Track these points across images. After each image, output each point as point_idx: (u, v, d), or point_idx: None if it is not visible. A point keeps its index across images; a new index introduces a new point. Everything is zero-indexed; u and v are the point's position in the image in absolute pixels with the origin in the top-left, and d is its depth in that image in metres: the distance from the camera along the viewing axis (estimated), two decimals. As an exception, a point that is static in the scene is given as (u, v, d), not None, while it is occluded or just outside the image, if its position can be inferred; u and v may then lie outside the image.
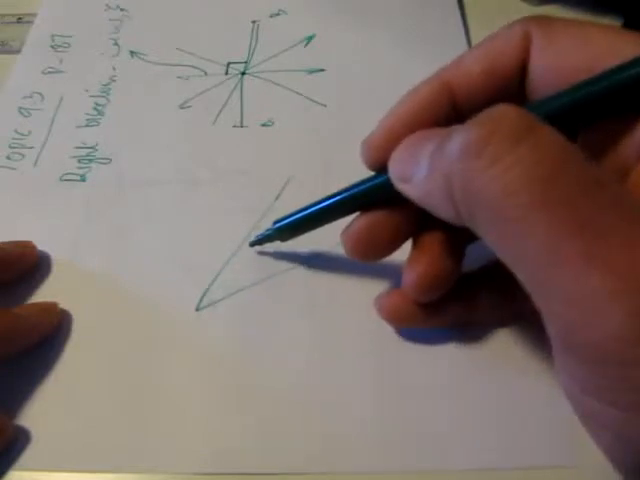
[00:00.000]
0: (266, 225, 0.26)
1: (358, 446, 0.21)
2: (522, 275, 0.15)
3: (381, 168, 0.20)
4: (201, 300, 0.25)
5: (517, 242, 0.14)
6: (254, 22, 0.36)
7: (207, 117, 0.31)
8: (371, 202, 0.21)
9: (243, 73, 0.33)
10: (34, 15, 0.37)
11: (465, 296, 0.22)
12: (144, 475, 0.21)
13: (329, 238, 0.24)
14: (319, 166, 0.29)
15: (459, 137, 0.15)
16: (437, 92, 0.19)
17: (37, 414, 0.22)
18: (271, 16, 0.36)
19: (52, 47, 0.35)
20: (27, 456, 0.21)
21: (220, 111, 0.32)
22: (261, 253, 0.26)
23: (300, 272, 0.26)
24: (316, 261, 0.26)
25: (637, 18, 0.35)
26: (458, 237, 0.21)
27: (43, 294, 0.25)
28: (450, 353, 0.23)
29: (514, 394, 0.22)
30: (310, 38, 0.35)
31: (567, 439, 0.21)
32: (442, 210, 0.16)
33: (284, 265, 0.26)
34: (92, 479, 0.21)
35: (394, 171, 0.18)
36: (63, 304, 0.25)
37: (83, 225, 0.27)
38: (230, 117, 0.31)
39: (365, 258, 0.22)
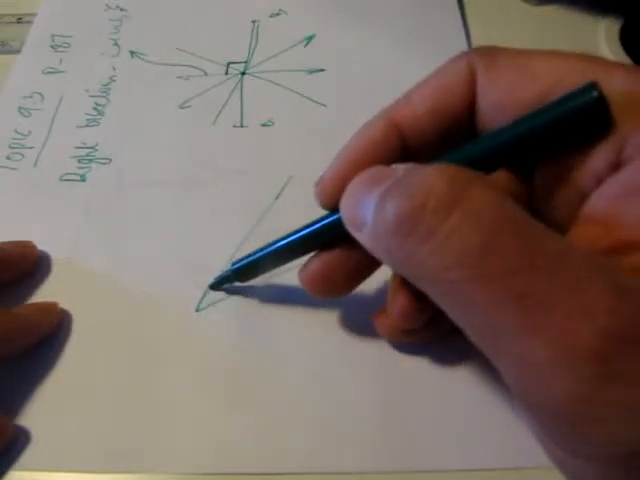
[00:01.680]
0: (267, 225, 0.26)
1: (358, 446, 0.21)
2: (472, 339, 0.15)
3: (335, 208, 0.19)
4: (201, 300, 0.25)
5: (461, 313, 0.14)
6: (254, 22, 0.36)
7: (207, 117, 0.31)
8: (327, 240, 0.21)
9: (243, 73, 0.33)
10: (34, 15, 0.37)
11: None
12: (144, 475, 0.21)
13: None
14: (319, 166, 0.29)
15: (392, 208, 0.15)
16: (385, 131, 0.19)
17: (37, 414, 0.22)
18: (271, 16, 0.36)
19: (52, 47, 0.35)
20: (27, 456, 0.21)
21: (220, 111, 0.32)
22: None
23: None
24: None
25: (637, 18, 0.35)
26: None
27: (43, 294, 0.25)
28: (449, 353, 0.23)
29: (510, 393, 0.22)
30: (310, 38, 0.35)
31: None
32: (389, 266, 0.17)
33: (284, 266, 0.26)
34: (92, 479, 0.21)
35: (344, 216, 0.18)
36: (63, 304, 0.25)
37: (83, 225, 0.27)
38: (230, 117, 0.31)
39: (325, 296, 0.22)
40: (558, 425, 0.14)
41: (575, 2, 0.36)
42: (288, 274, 0.25)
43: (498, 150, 0.17)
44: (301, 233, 0.21)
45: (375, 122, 0.19)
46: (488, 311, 0.13)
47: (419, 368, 0.23)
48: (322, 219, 0.20)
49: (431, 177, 0.14)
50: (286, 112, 0.31)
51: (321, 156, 0.29)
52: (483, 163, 0.17)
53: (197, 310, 0.25)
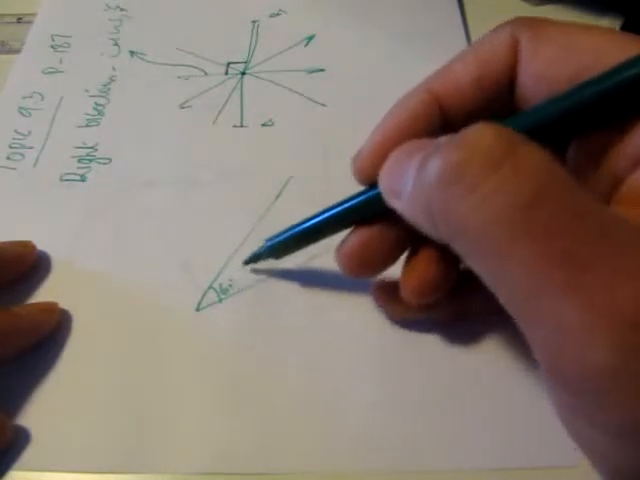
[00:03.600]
0: (267, 225, 0.26)
1: (358, 446, 0.21)
2: (504, 302, 0.14)
3: (373, 183, 0.19)
4: (201, 300, 0.25)
5: (498, 271, 0.14)
6: (254, 22, 0.36)
7: (207, 117, 0.31)
8: (364, 217, 0.20)
9: (243, 73, 0.33)
10: (34, 15, 0.37)
11: (461, 290, 0.22)
12: (144, 475, 0.21)
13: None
14: (319, 166, 0.29)
15: (436, 161, 0.14)
16: (426, 103, 0.19)
17: (37, 414, 0.22)
18: (271, 16, 0.36)
19: (52, 47, 0.35)
20: (27, 456, 0.21)
21: (220, 111, 0.32)
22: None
23: (300, 272, 0.26)
24: (316, 261, 0.26)
25: (637, 18, 0.35)
26: None
27: (43, 294, 0.25)
28: (450, 354, 0.23)
29: (514, 394, 0.22)
30: (310, 38, 0.35)
31: (568, 439, 0.21)
32: (427, 232, 0.16)
33: (285, 265, 0.26)
34: (92, 479, 0.21)
35: (384, 186, 0.18)
36: (63, 304, 0.25)
37: (83, 225, 0.27)
38: (230, 117, 0.31)
39: (361, 275, 0.21)
40: (583, 393, 0.13)
41: (575, 2, 0.36)
42: (290, 273, 0.25)
43: (547, 122, 0.16)
44: (338, 209, 0.21)
45: (414, 93, 0.19)
46: (529, 269, 0.13)
47: (420, 368, 0.23)
48: (360, 194, 0.20)
49: (480, 131, 0.14)
50: (286, 112, 0.31)
51: (321, 156, 0.30)
52: (533, 134, 0.16)
53: (197, 310, 0.25)
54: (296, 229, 0.22)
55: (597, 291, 0.12)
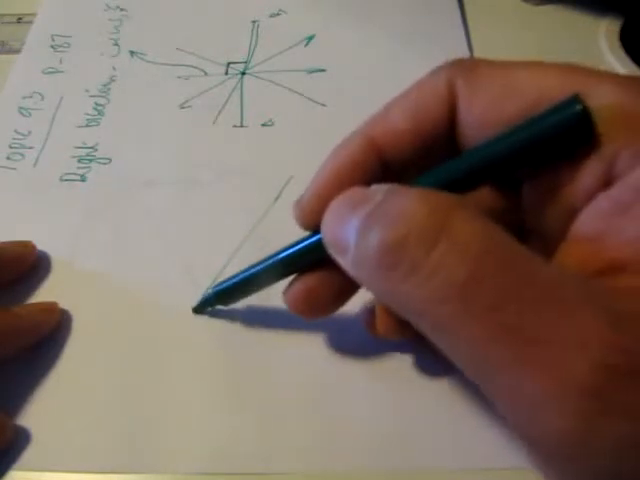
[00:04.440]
0: (267, 225, 0.26)
1: (358, 446, 0.21)
2: (462, 371, 0.14)
3: (316, 229, 0.19)
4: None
5: (447, 346, 0.14)
6: (254, 22, 0.36)
7: (207, 117, 0.31)
8: (310, 262, 0.20)
9: (243, 73, 0.33)
10: (34, 15, 0.37)
11: None
12: (143, 475, 0.21)
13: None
14: (319, 166, 0.29)
15: (374, 240, 0.14)
16: (363, 149, 0.18)
17: (37, 414, 0.22)
18: (271, 16, 0.36)
19: (52, 47, 0.35)
20: (27, 456, 0.21)
21: (220, 111, 0.32)
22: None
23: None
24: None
25: (637, 18, 0.35)
26: None
27: (43, 294, 0.25)
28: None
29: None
30: (310, 38, 0.35)
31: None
32: (372, 293, 0.16)
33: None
34: (92, 479, 0.21)
35: (327, 240, 0.17)
36: (63, 304, 0.25)
37: (83, 225, 0.27)
38: (230, 117, 0.31)
39: (310, 317, 0.21)
40: (553, 459, 0.13)
41: (575, 2, 0.36)
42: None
43: (481, 166, 0.16)
44: (282, 255, 0.20)
45: (352, 140, 0.19)
46: (477, 346, 0.13)
47: (420, 367, 0.23)
48: (303, 240, 0.20)
49: (412, 205, 0.14)
50: (286, 112, 0.31)
51: (321, 156, 0.30)
52: (466, 180, 0.16)
53: (196, 310, 0.25)
54: (242, 274, 0.22)
55: (548, 364, 0.12)
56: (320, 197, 0.18)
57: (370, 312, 0.22)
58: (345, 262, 0.16)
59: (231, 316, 0.24)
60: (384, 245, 0.14)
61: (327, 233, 0.17)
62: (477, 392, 0.22)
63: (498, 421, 0.22)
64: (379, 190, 0.15)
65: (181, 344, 0.24)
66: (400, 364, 0.23)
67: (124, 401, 0.23)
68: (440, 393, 0.22)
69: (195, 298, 0.25)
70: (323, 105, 0.32)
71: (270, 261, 0.21)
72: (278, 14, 0.36)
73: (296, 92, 0.32)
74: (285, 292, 0.21)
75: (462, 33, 0.34)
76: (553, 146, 0.15)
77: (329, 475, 0.21)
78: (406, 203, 0.14)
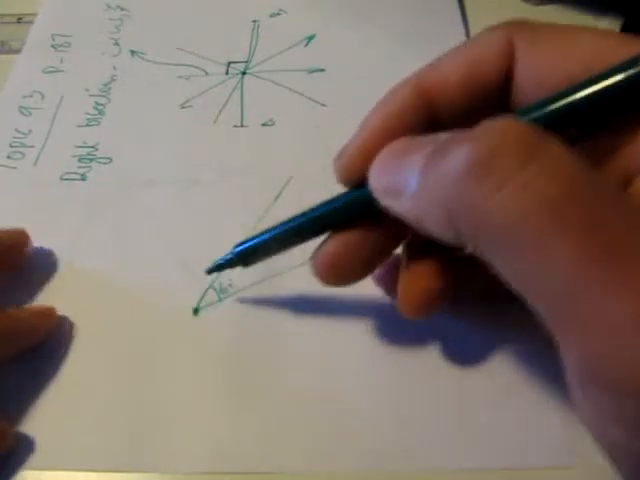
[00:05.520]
0: (267, 224, 0.26)
1: (359, 447, 0.21)
2: (537, 305, 0.13)
3: (356, 184, 0.18)
4: (201, 300, 0.25)
5: (531, 271, 0.13)
6: (254, 22, 0.36)
7: (208, 117, 0.31)
8: (343, 221, 0.19)
9: (244, 73, 0.33)
10: (34, 15, 0.37)
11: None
12: (144, 475, 0.21)
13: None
14: (319, 166, 0.29)
15: (459, 154, 0.14)
16: (415, 99, 0.18)
17: (39, 415, 0.22)
18: (271, 16, 0.36)
19: (53, 46, 0.35)
20: (29, 456, 0.21)
21: (221, 111, 0.32)
22: None
23: (300, 272, 0.26)
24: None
25: (637, 18, 0.35)
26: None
27: (43, 294, 0.25)
28: (450, 353, 0.23)
29: (513, 395, 0.22)
30: (310, 38, 0.35)
31: (567, 439, 0.21)
32: (438, 232, 0.15)
33: (284, 265, 0.26)
34: (94, 479, 0.21)
35: (378, 183, 0.16)
36: (63, 304, 0.25)
37: (83, 225, 0.27)
38: (231, 117, 0.31)
39: (338, 284, 0.20)
40: (628, 396, 0.12)
41: (575, 2, 0.36)
42: (289, 273, 0.25)
43: (543, 122, 0.16)
44: (315, 213, 0.19)
45: (403, 88, 0.18)
46: (568, 266, 0.12)
47: (419, 368, 0.23)
48: (340, 197, 0.19)
49: (506, 122, 0.14)
50: (287, 112, 0.31)
51: (321, 156, 0.30)
52: None
53: (197, 309, 0.25)
54: (269, 233, 0.21)
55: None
56: (367, 148, 0.18)
57: (393, 281, 0.21)
58: (402, 203, 0.16)
59: (232, 316, 0.24)
60: (474, 157, 0.13)
61: (379, 177, 0.16)
62: (476, 394, 0.22)
63: (498, 421, 0.22)
64: (440, 135, 0.15)
65: (182, 344, 0.24)
66: (401, 365, 0.23)
67: (124, 401, 0.23)
68: (441, 394, 0.22)
69: (195, 298, 0.25)
70: (323, 105, 0.32)
71: (300, 219, 0.20)
72: (278, 14, 0.36)
73: (296, 92, 0.32)
74: (314, 256, 0.20)
75: (462, 33, 0.34)
76: (614, 105, 0.15)
77: (331, 475, 0.21)
78: (498, 125, 0.14)
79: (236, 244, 0.22)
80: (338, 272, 0.20)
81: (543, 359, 0.23)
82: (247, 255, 0.22)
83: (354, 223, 0.19)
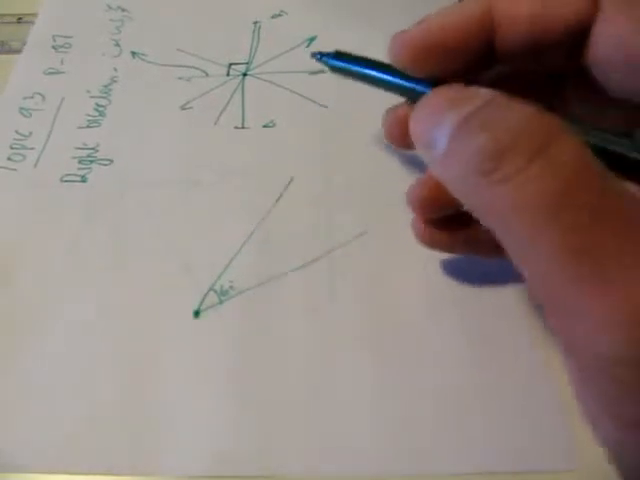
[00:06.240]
0: (268, 226, 0.26)
1: (360, 450, 0.21)
2: (527, 280, 0.15)
3: (406, 66, 0.19)
4: (202, 302, 0.25)
5: (524, 255, 0.14)
6: (255, 23, 0.36)
7: (208, 118, 0.31)
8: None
9: (244, 74, 0.33)
10: (34, 15, 0.37)
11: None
12: (144, 478, 0.21)
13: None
14: (321, 167, 0.29)
15: (478, 141, 0.15)
16: (483, 14, 0.18)
17: (37, 415, 0.22)
18: (272, 17, 0.36)
19: (53, 47, 0.35)
20: (26, 457, 0.21)
21: (221, 112, 0.32)
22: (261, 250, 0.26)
23: (300, 274, 0.26)
24: (316, 263, 0.26)
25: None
26: None
27: (42, 295, 0.25)
28: (450, 356, 0.23)
29: (512, 398, 0.22)
30: (312, 39, 0.35)
31: (567, 443, 0.21)
32: (453, 193, 0.16)
33: (285, 267, 0.26)
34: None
35: (414, 131, 0.17)
36: (62, 304, 0.25)
37: (83, 226, 0.27)
38: (231, 118, 0.31)
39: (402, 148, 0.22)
40: (598, 379, 0.14)
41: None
42: (290, 275, 0.25)
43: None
44: (389, 78, 0.21)
45: (476, 3, 0.18)
46: (554, 257, 0.13)
47: (419, 370, 0.23)
48: (402, 75, 0.20)
49: (519, 118, 0.14)
50: (288, 113, 0.31)
51: (322, 157, 0.30)
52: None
53: (197, 312, 0.25)
54: (364, 67, 0.22)
55: (618, 287, 0.13)
56: (423, 40, 0.19)
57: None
58: (428, 156, 0.17)
59: (233, 319, 0.24)
60: (485, 150, 0.14)
61: (416, 127, 0.17)
62: (478, 396, 0.22)
63: (498, 425, 0.22)
64: (478, 94, 0.16)
65: (181, 346, 0.24)
66: (402, 367, 0.23)
67: (124, 403, 0.22)
68: (440, 398, 0.22)
69: (196, 300, 0.25)
70: (324, 106, 0.32)
71: (385, 75, 0.21)
72: (279, 15, 0.36)
73: (297, 93, 0.32)
74: (383, 124, 0.22)
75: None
76: None
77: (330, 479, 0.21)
78: (512, 115, 0.15)
79: (337, 53, 0.24)
80: (401, 135, 0.22)
81: (544, 363, 0.23)
82: (343, 56, 0.23)
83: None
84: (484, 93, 0.16)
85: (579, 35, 0.17)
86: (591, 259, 0.13)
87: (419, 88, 0.19)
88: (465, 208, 0.16)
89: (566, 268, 0.13)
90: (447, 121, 0.16)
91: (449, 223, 0.22)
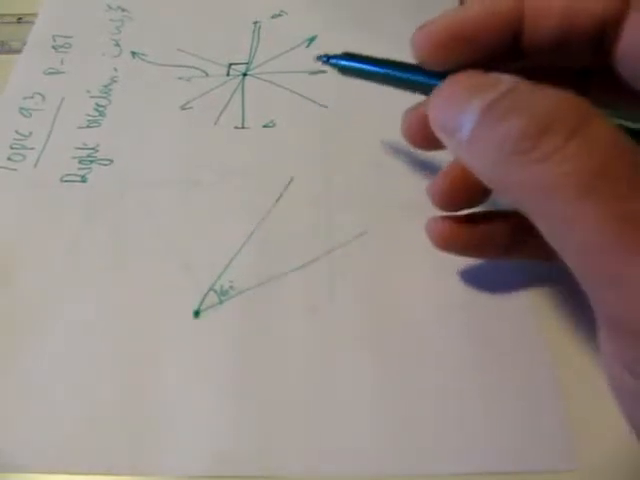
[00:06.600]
0: (268, 226, 0.26)
1: (358, 449, 0.21)
2: (567, 261, 0.15)
3: (429, 60, 0.19)
4: (202, 302, 0.25)
5: (564, 230, 0.15)
6: (255, 23, 0.36)
7: (208, 118, 0.31)
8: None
9: (244, 74, 0.33)
10: (34, 15, 0.37)
11: (513, 226, 0.22)
12: (143, 478, 0.21)
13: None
14: (321, 167, 0.29)
15: (513, 124, 0.15)
16: (512, 11, 0.18)
17: (36, 415, 0.22)
18: (272, 17, 0.36)
19: (53, 47, 0.35)
20: (26, 457, 0.21)
21: (221, 112, 0.32)
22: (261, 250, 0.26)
23: (300, 274, 0.26)
24: (317, 263, 0.26)
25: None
26: None
27: (42, 295, 0.25)
28: (449, 355, 0.23)
29: (513, 398, 0.22)
30: (312, 39, 0.35)
31: (566, 443, 0.21)
32: (482, 179, 0.16)
33: (285, 267, 0.26)
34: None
35: (435, 117, 0.17)
36: (62, 304, 0.25)
37: (83, 226, 0.27)
38: (231, 118, 0.31)
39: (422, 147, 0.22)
40: None
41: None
42: (290, 275, 0.25)
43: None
44: (404, 75, 0.21)
45: None
46: (595, 227, 0.14)
47: (419, 370, 0.23)
48: (421, 71, 0.20)
49: (556, 102, 0.15)
50: (288, 113, 0.31)
51: (323, 157, 0.30)
52: None
53: (197, 312, 0.25)
54: (374, 66, 0.22)
55: None
56: (451, 31, 0.18)
57: (439, 223, 0.22)
58: (452, 143, 0.17)
59: (232, 319, 0.24)
60: (522, 131, 0.15)
61: (437, 114, 0.17)
62: (478, 396, 0.22)
63: (498, 424, 0.22)
64: (500, 80, 0.16)
65: (181, 346, 0.24)
66: (403, 367, 0.23)
67: (124, 403, 0.22)
68: (440, 398, 0.22)
69: (196, 300, 0.25)
70: (325, 106, 0.32)
71: (397, 73, 0.22)
72: (279, 15, 0.36)
73: (298, 93, 0.32)
74: (402, 124, 0.22)
75: (463, 35, 0.34)
76: None
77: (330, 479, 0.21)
78: (544, 98, 0.15)
79: (344, 54, 0.24)
80: (420, 135, 0.22)
81: (544, 363, 0.23)
82: (353, 57, 0.23)
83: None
84: (507, 79, 0.16)
85: (608, 31, 0.18)
86: (633, 226, 0.13)
87: (434, 82, 0.19)
88: (493, 195, 0.16)
89: (609, 236, 0.13)
90: (471, 107, 0.16)
91: (465, 223, 0.22)
